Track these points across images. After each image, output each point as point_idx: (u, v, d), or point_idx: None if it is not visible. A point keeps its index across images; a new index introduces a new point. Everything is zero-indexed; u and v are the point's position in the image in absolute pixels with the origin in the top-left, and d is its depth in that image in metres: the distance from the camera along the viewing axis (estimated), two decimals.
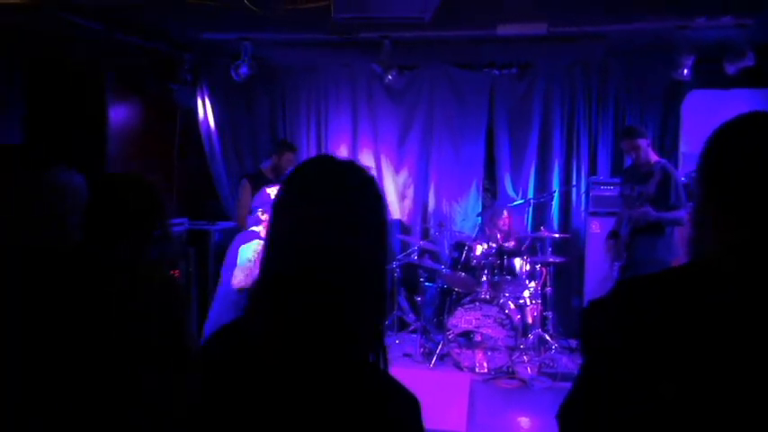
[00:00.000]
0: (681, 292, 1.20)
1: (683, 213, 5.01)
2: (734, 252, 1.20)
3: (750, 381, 1.12)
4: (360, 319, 1.19)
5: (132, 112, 6.22)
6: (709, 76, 6.16)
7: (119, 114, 5.98)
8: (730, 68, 5.63)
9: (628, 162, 6.05)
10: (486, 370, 5.79)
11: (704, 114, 6.34)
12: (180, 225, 6.01)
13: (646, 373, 1.17)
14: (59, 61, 5.68)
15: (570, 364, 5.89)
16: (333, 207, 1.18)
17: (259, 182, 5.80)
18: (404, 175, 7.50)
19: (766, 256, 1.17)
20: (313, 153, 7.51)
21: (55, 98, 5.60)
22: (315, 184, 1.21)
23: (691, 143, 6.38)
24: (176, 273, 5.78)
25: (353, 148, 7.49)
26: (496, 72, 7.19)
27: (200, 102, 7.00)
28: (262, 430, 1.16)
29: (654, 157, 5.22)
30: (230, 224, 6.52)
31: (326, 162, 1.26)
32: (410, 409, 1.20)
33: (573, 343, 6.57)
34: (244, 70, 6.19)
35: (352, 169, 1.25)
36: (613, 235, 5.43)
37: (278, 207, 1.23)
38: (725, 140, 1.27)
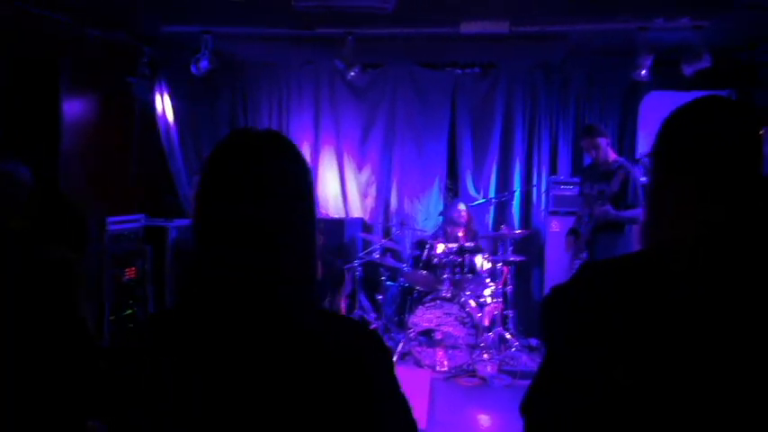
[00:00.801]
0: (638, 279, 1.20)
1: (640, 212, 5.07)
2: (690, 240, 1.20)
3: (702, 366, 1.11)
4: (294, 278, 1.21)
5: (88, 105, 6.07)
6: (667, 78, 6.25)
7: (74, 108, 5.82)
8: (687, 70, 5.72)
9: (587, 161, 6.11)
10: (446, 368, 5.79)
11: (661, 115, 6.32)
12: (137, 221, 5.88)
13: (603, 358, 1.16)
14: (12, 52, 5.51)
15: (530, 362, 5.93)
16: (255, 176, 1.20)
17: None
18: (366, 173, 7.46)
19: (722, 244, 1.17)
20: None
21: (7, 90, 5.44)
22: (235, 157, 1.23)
23: (648, 143, 6.46)
24: (132, 270, 5.66)
25: (315, 146, 7.44)
26: (459, 71, 7.21)
27: (158, 96, 6.86)
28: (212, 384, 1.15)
29: (613, 156, 5.28)
30: (188, 221, 6.41)
31: (244, 134, 1.29)
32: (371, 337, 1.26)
33: (533, 341, 6.60)
34: (204, 64, 6.08)
35: (271, 138, 1.29)
36: (572, 232, 5.48)
37: (204, 181, 1.25)
38: (683, 124, 1.28)
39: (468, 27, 5.34)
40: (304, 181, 1.27)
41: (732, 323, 1.12)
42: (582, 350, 1.19)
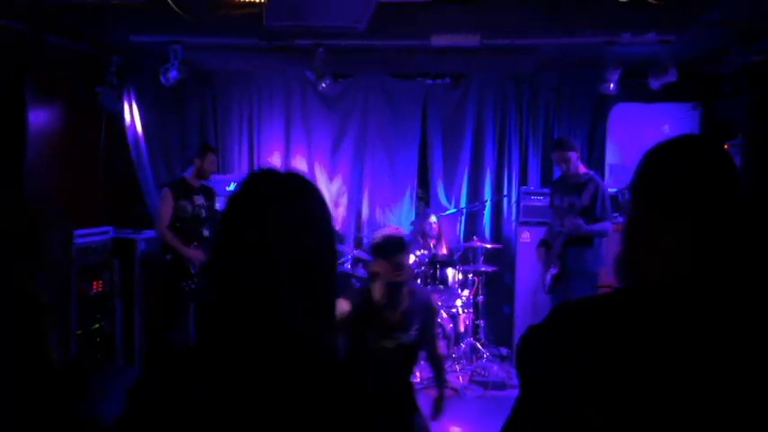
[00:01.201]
0: (611, 319, 1.21)
1: (608, 225, 5.15)
2: (668, 277, 1.21)
3: (674, 406, 1.13)
4: (310, 317, 1.25)
5: (54, 115, 5.96)
6: (635, 90, 6.35)
7: (39, 118, 5.72)
8: (654, 84, 5.81)
9: (557, 173, 6.18)
10: (419, 379, 5.78)
11: (630, 127, 6.55)
12: (104, 234, 5.79)
13: (576, 397, 1.17)
14: None
15: (501, 372, 5.96)
16: (277, 215, 1.25)
17: (182, 191, 5.64)
18: (337, 182, 7.45)
19: (702, 282, 1.19)
20: (245, 160, 7.39)
21: None
22: (259, 194, 1.28)
23: (617, 154, 6.56)
24: (99, 283, 5.58)
25: (286, 155, 7.40)
26: (430, 82, 7.24)
27: (126, 106, 6.76)
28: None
29: (583, 169, 5.34)
30: (157, 233, 6.33)
31: (270, 173, 1.34)
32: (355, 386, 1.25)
33: (504, 351, 6.66)
34: (173, 74, 6.02)
35: (294, 178, 1.34)
36: (544, 244, 5.52)
37: (226, 216, 1.29)
38: (661, 161, 1.29)
39: (439, 40, 5.35)
40: (324, 221, 1.32)
41: (707, 364, 1.14)
42: (555, 389, 1.20)
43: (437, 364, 3.71)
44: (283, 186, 1.31)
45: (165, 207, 5.55)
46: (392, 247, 3.20)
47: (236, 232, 1.25)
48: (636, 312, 1.20)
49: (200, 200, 5.68)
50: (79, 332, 5.29)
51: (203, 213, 5.68)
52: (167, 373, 1.26)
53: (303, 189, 1.33)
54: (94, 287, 5.52)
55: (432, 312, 3.46)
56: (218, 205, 5.92)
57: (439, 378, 3.72)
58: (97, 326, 5.53)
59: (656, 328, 1.17)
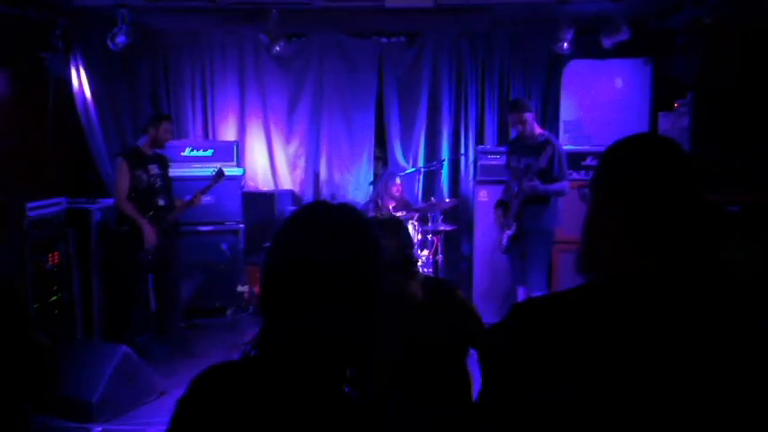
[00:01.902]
0: (573, 314, 1.24)
1: (565, 184, 5.23)
2: (631, 269, 1.25)
3: (635, 407, 1.16)
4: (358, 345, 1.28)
5: None
6: (588, 47, 6.40)
7: None
8: (607, 42, 5.87)
9: (513, 133, 6.23)
10: None
11: (583, 83, 6.60)
12: (57, 205, 5.66)
13: (542, 390, 1.21)
14: None
15: None
16: (329, 251, 1.27)
17: (137, 160, 5.54)
18: (294, 144, 7.40)
19: (660, 281, 1.22)
20: (199, 125, 7.27)
21: None
22: (312, 230, 1.30)
23: (571, 111, 6.63)
24: (55, 255, 5.49)
25: (241, 119, 7.31)
26: (385, 40, 7.18)
27: (74, 71, 6.55)
28: None
29: (538, 130, 5.38)
30: (111, 201, 6.22)
31: (322, 208, 1.36)
32: None
33: None
34: (121, 39, 5.85)
35: (346, 214, 1.35)
36: (501, 204, 5.59)
37: (276, 250, 1.31)
38: (623, 156, 1.32)
39: (394, 2, 5.30)
40: (371, 254, 1.33)
41: (667, 360, 1.17)
42: (515, 385, 1.24)
43: None
44: (336, 224, 1.32)
45: (121, 177, 5.44)
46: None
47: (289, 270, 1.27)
48: (598, 308, 1.23)
49: (154, 169, 5.58)
50: (37, 305, 5.22)
51: (158, 183, 5.59)
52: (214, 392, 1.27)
53: (355, 226, 1.34)
54: (50, 260, 5.42)
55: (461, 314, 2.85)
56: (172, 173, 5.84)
57: None
58: (55, 298, 5.45)
59: (619, 322, 1.20)
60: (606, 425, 1.17)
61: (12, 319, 2.09)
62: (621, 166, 1.31)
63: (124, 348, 4.64)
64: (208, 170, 6.12)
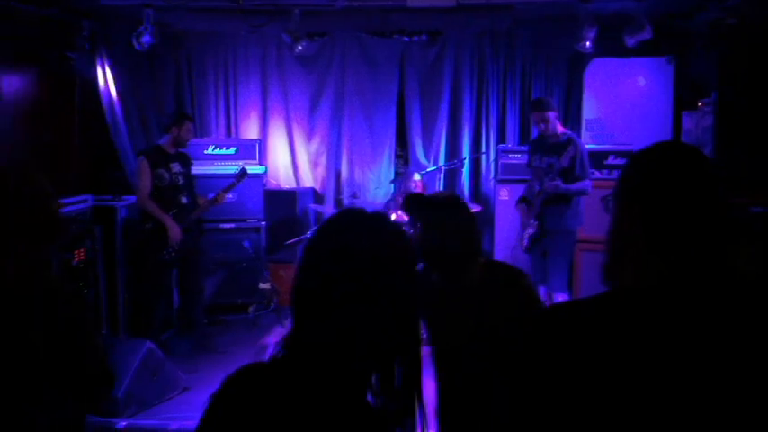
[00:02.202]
0: (595, 324, 1.25)
1: (587, 183, 5.20)
2: (654, 280, 1.26)
3: (663, 402, 1.18)
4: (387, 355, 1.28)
5: (27, 83, 5.86)
6: (611, 45, 6.36)
7: (12, 85, 5.63)
8: (629, 41, 5.84)
9: (535, 131, 6.22)
10: None
11: (606, 81, 6.58)
12: (83, 202, 5.76)
13: (568, 393, 1.23)
14: None
15: None
16: (364, 260, 1.26)
17: (158, 159, 5.60)
18: (316, 143, 7.44)
19: (682, 293, 1.23)
20: (222, 123, 7.34)
21: None
22: (347, 240, 1.29)
23: (593, 109, 6.60)
24: (81, 252, 5.58)
25: (264, 117, 7.37)
26: (407, 39, 7.19)
27: (99, 71, 6.65)
28: None
29: (561, 129, 5.36)
30: (136, 198, 6.31)
31: (358, 217, 1.36)
32: None
33: None
34: (146, 39, 5.93)
35: (381, 218, 1.35)
36: (523, 200, 5.57)
37: (310, 257, 1.31)
38: (647, 167, 1.33)
39: (415, 0, 5.31)
40: (398, 258, 1.31)
41: (687, 371, 1.18)
42: (546, 386, 1.25)
43: None
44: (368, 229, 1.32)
45: (143, 176, 5.51)
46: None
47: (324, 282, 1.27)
48: (621, 315, 1.24)
49: (177, 167, 5.65)
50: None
51: (181, 181, 5.65)
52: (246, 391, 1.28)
53: (391, 230, 1.34)
54: (76, 256, 5.51)
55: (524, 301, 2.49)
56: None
57: None
58: None
59: (642, 330, 1.21)
60: (629, 427, 1.19)
61: (75, 322, 2.11)
62: (644, 175, 1.32)
63: (148, 344, 4.71)
64: (231, 168, 6.18)
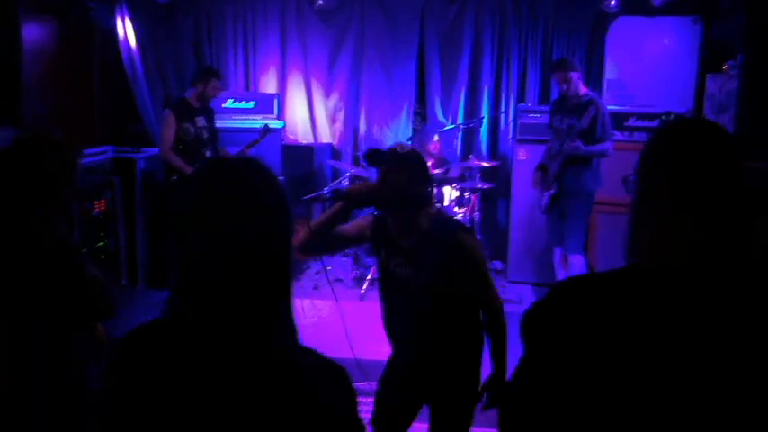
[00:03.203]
0: (618, 293, 1.27)
1: (608, 145, 5.17)
2: (674, 259, 1.26)
3: (682, 378, 1.20)
4: (270, 304, 1.23)
5: (48, 32, 5.85)
6: (636, 4, 6.25)
7: (33, 34, 5.62)
8: (656, 1, 5.71)
9: (555, 91, 6.15)
10: None
11: (629, 41, 6.46)
12: (104, 153, 5.81)
13: (585, 367, 1.24)
14: None
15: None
16: (236, 208, 1.20)
17: (184, 111, 5.63)
18: (334, 98, 7.42)
19: (707, 263, 1.24)
20: (241, 77, 7.32)
21: None
22: (217, 194, 1.22)
23: (616, 70, 6.50)
24: (101, 203, 5.64)
25: (282, 72, 7.34)
26: None
27: (119, 22, 6.63)
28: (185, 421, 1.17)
29: (583, 90, 5.31)
30: (156, 150, 6.35)
31: (223, 167, 1.29)
32: (334, 386, 1.25)
33: (499, 265, 6.84)
34: None
35: (250, 171, 1.27)
36: (541, 168, 5.56)
37: (182, 216, 1.25)
38: (669, 145, 1.32)
39: None
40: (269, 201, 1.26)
41: (707, 343, 1.20)
42: (559, 361, 1.27)
43: (488, 325, 2.78)
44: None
45: (167, 129, 5.54)
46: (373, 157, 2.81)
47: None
48: (638, 291, 1.26)
49: (201, 121, 5.68)
50: (84, 251, 5.40)
51: (205, 135, 5.69)
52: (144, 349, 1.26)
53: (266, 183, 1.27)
54: (96, 207, 5.58)
55: (457, 255, 2.64)
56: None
57: (493, 347, 2.74)
58: (101, 244, 5.63)
59: (656, 306, 1.23)
60: (645, 406, 1.20)
61: (63, 255, 2.21)
62: (669, 150, 1.32)
63: (167, 296, 4.78)
64: (249, 122, 6.20)
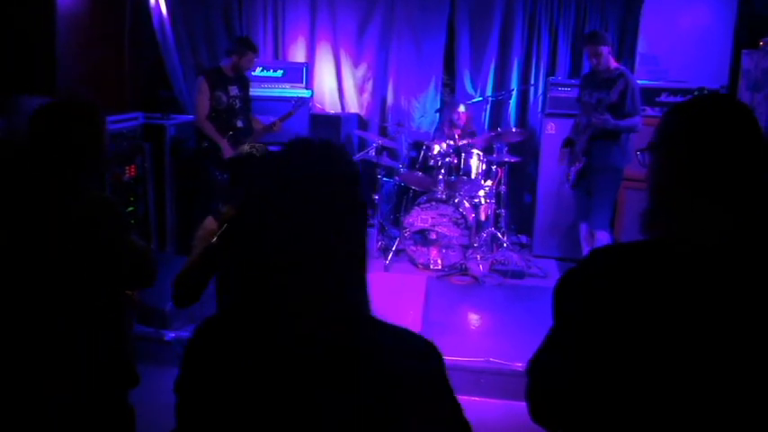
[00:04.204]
0: (646, 263, 1.28)
1: (637, 120, 5.12)
2: (695, 233, 1.28)
3: (708, 347, 1.21)
4: (348, 295, 1.20)
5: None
6: None
7: (67, 2, 5.66)
8: None
9: (586, 65, 6.08)
10: (440, 267, 5.99)
11: (664, 15, 6.34)
12: (135, 120, 5.87)
13: (613, 335, 1.27)
14: None
15: (521, 261, 6.12)
16: (312, 195, 1.16)
17: (218, 79, 5.67)
18: (363, 68, 7.39)
19: (729, 236, 1.25)
20: (270, 45, 7.31)
21: None
22: (294, 176, 1.19)
23: (648, 44, 6.40)
24: (132, 168, 5.72)
25: (311, 41, 7.32)
26: None
27: None
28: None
29: (614, 64, 5.25)
30: (185, 117, 6.40)
31: (306, 150, 1.26)
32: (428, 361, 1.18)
33: (524, 239, 6.85)
34: None
35: (330, 154, 1.24)
36: (568, 143, 5.52)
37: (255, 196, 1.24)
38: (687, 120, 1.32)
39: None
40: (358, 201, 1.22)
41: (737, 308, 1.22)
42: (591, 327, 1.29)
43: None
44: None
45: (202, 97, 5.60)
46: None
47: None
48: (667, 264, 1.27)
49: (234, 90, 5.73)
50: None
51: (238, 104, 5.74)
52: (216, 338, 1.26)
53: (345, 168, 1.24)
54: (127, 172, 5.66)
55: None
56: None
57: None
58: (131, 209, 5.72)
59: (681, 276, 1.25)
60: (673, 373, 1.23)
61: (112, 223, 2.25)
62: (690, 124, 1.31)
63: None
64: (278, 91, 6.23)
